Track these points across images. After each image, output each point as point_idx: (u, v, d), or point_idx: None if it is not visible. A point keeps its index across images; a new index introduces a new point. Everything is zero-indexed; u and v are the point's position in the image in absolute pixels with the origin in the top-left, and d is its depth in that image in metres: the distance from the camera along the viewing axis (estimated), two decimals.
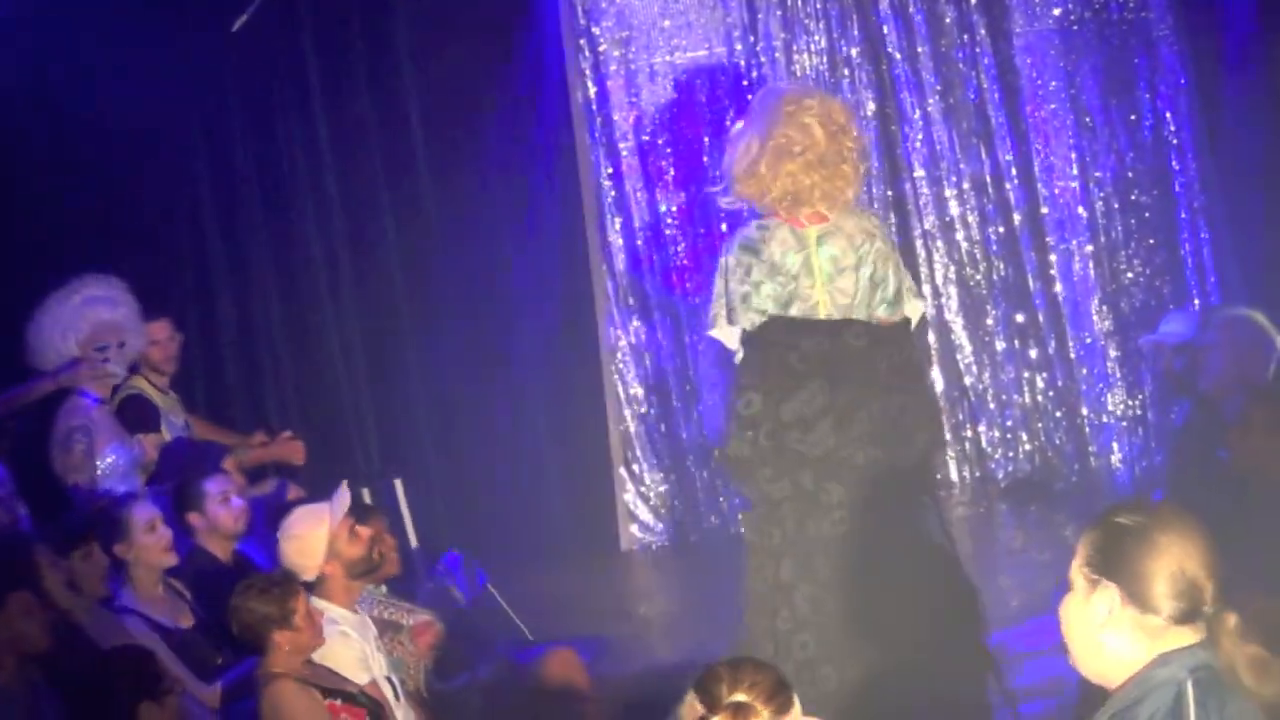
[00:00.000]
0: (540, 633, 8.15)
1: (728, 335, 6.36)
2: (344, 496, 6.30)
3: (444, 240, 9.99)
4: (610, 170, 10.10)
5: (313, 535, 6.20)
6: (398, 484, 9.08)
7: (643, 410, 10.23)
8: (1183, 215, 9.90)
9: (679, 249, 10.17)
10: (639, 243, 10.13)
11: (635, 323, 10.21)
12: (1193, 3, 9.69)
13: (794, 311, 6.30)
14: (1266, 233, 9.41)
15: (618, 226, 10.18)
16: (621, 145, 10.12)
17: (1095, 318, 10.04)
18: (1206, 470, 6.63)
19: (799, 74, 10.06)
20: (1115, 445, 9.99)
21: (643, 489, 10.28)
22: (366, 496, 8.31)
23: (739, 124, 6.62)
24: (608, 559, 10.09)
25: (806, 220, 6.37)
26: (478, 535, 9.49)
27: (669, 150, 10.14)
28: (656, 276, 10.13)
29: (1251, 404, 6.49)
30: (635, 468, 10.27)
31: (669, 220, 10.16)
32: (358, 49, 9.83)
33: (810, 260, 6.35)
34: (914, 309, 6.49)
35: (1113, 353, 10.00)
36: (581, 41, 10.09)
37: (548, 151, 10.02)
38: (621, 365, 10.24)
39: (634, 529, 10.25)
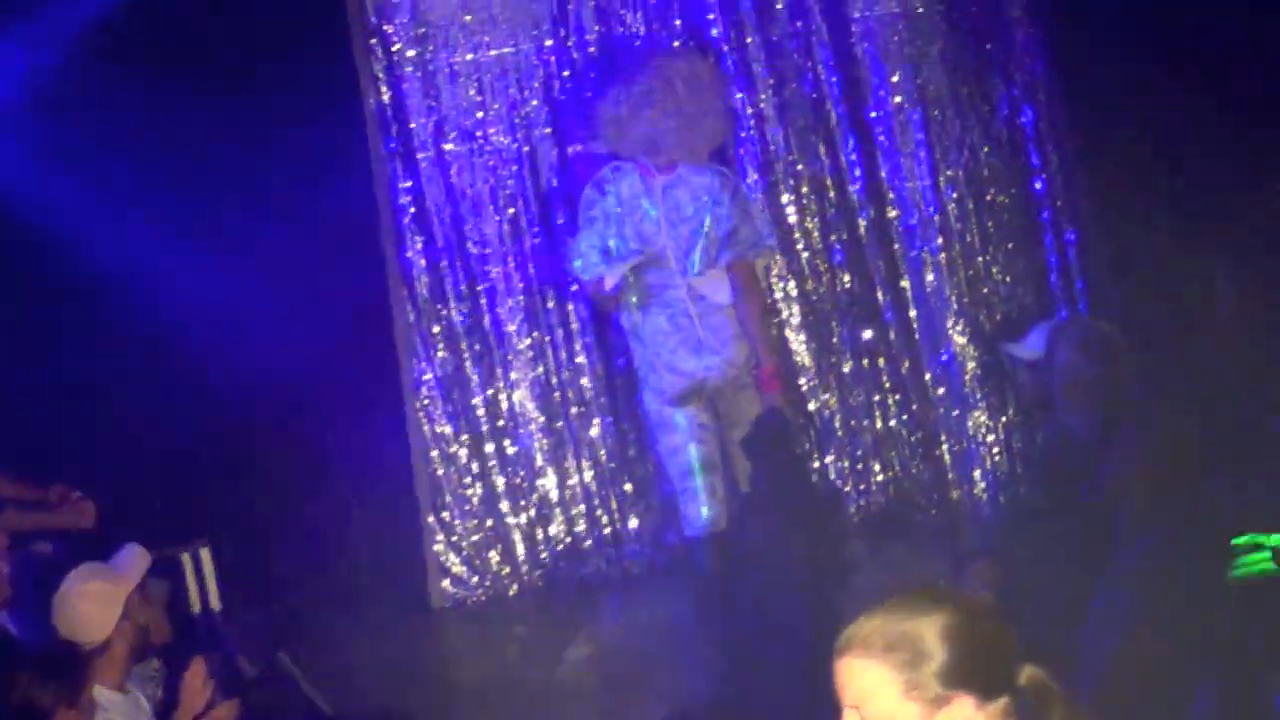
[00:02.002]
0: (341, 706, 7.66)
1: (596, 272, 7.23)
2: (140, 557, 5.91)
3: (221, 268, 9.10)
4: (409, 184, 9.37)
5: (107, 598, 5.72)
6: (204, 552, 8.51)
7: (452, 451, 9.53)
8: (1045, 216, 9.47)
9: (488, 269, 9.49)
10: (442, 265, 9.44)
11: (441, 353, 9.47)
12: None
13: (637, 255, 7.14)
14: (1139, 232, 9.03)
15: (418, 246, 9.44)
16: (420, 156, 9.36)
17: (951, 332, 9.49)
18: (1069, 505, 6.26)
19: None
20: (978, 474, 9.48)
21: (454, 539, 9.52)
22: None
23: (606, 76, 7.52)
24: (417, 618, 9.37)
25: (657, 170, 7.27)
26: (273, 595, 9.09)
27: (474, 159, 9.46)
28: (464, 301, 9.50)
29: (1108, 427, 6.13)
30: (445, 515, 9.51)
31: (476, 238, 9.49)
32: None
33: (655, 206, 7.29)
34: (762, 260, 7.41)
35: (972, 370, 9.46)
36: (373, 40, 9.28)
37: (337, 164, 9.20)
38: (427, 401, 9.49)
39: (445, 584, 9.48)
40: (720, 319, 7.75)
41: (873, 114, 9.37)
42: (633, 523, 9.46)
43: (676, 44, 9.15)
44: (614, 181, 7.52)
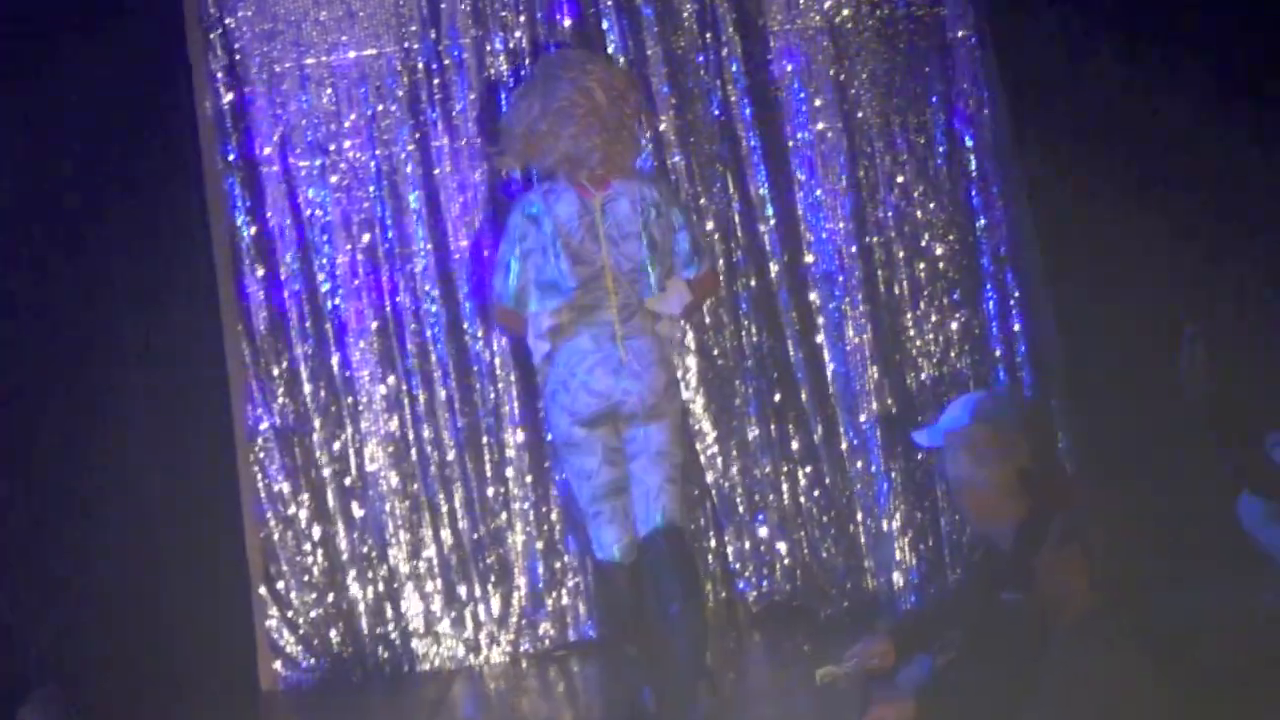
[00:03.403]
0: None
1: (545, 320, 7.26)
2: None
3: (33, 294, 8.50)
4: (248, 203, 8.78)
5: None
6: None
7: (289, 512, 8.86)
8: (986, 265, 8.75)
9: (338, 304, 8.87)
10: (285, 296, 8.83)
11: (280, 399, 8.83)
12: None
13: (579, 275, 7.16)
14: (1093, 289, 8.36)
15: (258, 276, 8.82)
16: (264, 170, 8.78)
17: (873, 397, 8.80)
18: (992, 613, 5.74)
19: (494, 80, 8.78)
20: (898, 560, 8.76)
21: (289, 614, 8.87)
22: None
23: (519, 88, 7.51)
24: (244, 704, 8.70)
25: (592, 187, 7.24)
26: (81, 670, 8.24)
27: (326, 176, 8.84)
28: (309, 340, 8.86)
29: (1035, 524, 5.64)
30: (280, 586, 8.86)
31: (324, 267, 8.87)
32: None
33: (595, 225, 7.22)
34: (703, 269, 7.43)
35: (896, 441, 8.78)
36: (213, 36, 8.73)
37: (165, 177, 8.55)
38: (262, 454, 8.83)
39: (278, 665, 8.83)
40: (646, 342, 7.37)
41: (790, 143, 8.77)
42: (495, 600, 8.83)
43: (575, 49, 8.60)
44: (548, 208, 7.29)
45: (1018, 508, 5.59)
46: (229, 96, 8.70)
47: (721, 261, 8.64)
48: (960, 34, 8.67)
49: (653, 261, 7.24)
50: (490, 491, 8.79)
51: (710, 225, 8.68)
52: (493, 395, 8.76)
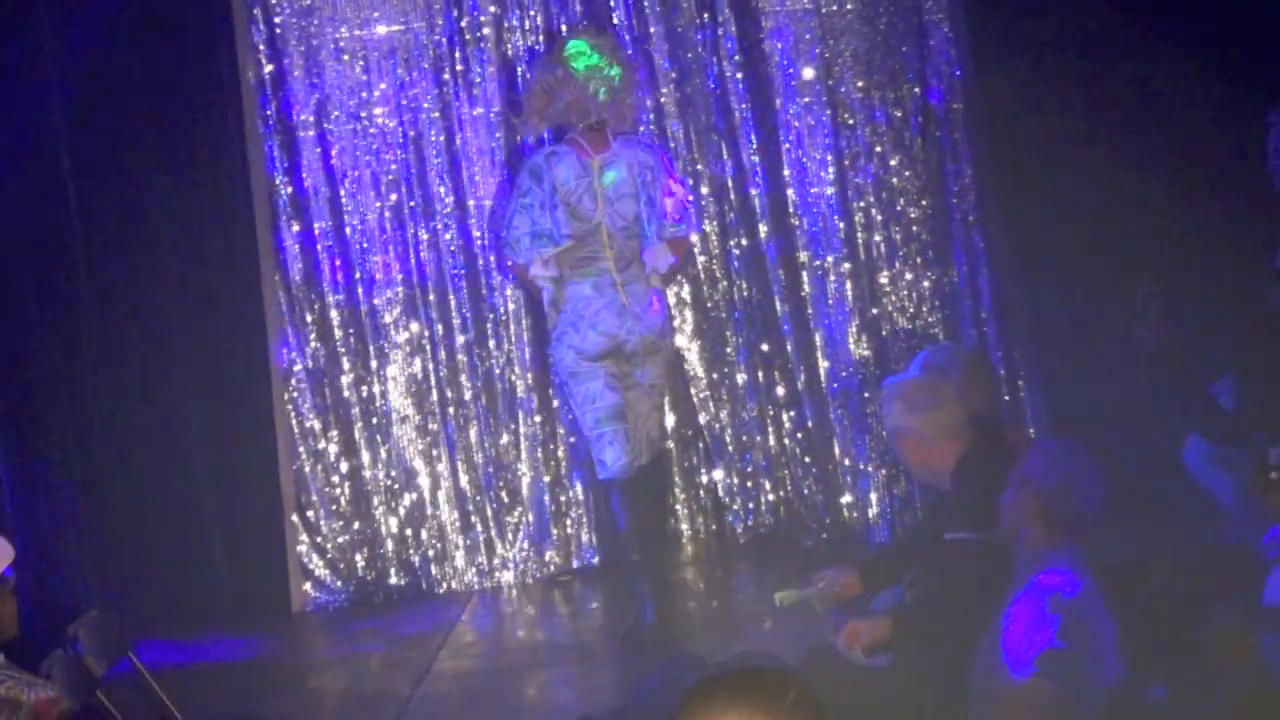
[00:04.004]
0: (190, 710, 7.14)
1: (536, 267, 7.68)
2: (3, 548, 5.65)
3: (85, 247, 8.80)
4: (286, 164, 9.01)
5: None
6: None
7: (319, 447, 9.12)
8: (956, 228, 9.04)
9: (367, 257, 9.12)
10: (319, 250, 9.06)
11: (312, 343, 9.08)
12: None
13: (575, 230, 7.58)
14: (1055, 252, 8.68)
15: (294, 230, 9.05)
16: (301, 135, 9.02)
17: (852, 347, 9.08)
18: (939, 551, 5.94)
19: (511, 55, 9.05)
20: (873, 497, 9.03)
21: (319, 540, 9.12)
22: None
23: (540, 59, 8.07)
24: (276, 622, 8.96)
25: (591, 149, 7.62)
26: (124, 592, 8.65)
27: (357, 141, 9.09)
28: (339, 290, 9.11)
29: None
30: (310, 515, 9.12)
31: (355, 223, 9.11)
32: None
33: (594, 185, 7.62)
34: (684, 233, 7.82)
35: (872, 388, 8.87)
36: (255, 11, 8.99)
37: (211, 141, 8.86)
38: (295, 394, 9.09)
39: (308, 587, 9.10)
40: (641, 287, 7.78)
41: (779, 114, 9.02)
42: (508, 530, 9.14)
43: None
44: (550, 168, 7.68)
45: (948, 454, 5.87)
46: (269, 67, 8.91)
47: (715, 223, 9.04)
48: (935, 16, 8.94)
49: (648, 219, 7.60)
50: (503, 430, 9.08)
51: (705, 190, 9.00)
52: (506, 342, 9.03)
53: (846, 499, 9.04)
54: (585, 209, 7.68)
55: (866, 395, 8.93)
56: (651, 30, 8.97)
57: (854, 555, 8.13)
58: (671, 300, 8.89)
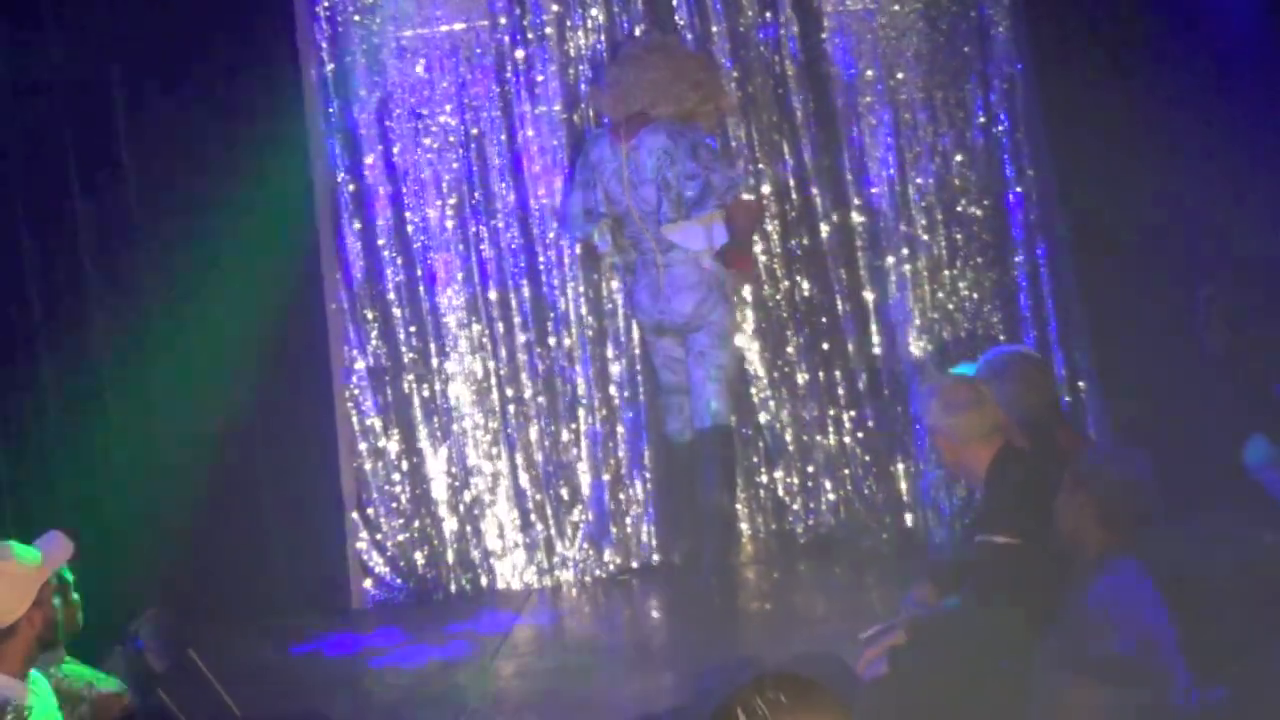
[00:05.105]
0: (249, 706, 7.34)
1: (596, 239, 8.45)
2: (62, 545, 5.49)
3: (148, 244, 8.81)
4: (348, 162, 9.06)
5: (21, 581, 5.32)
6: None
7: (380, 444, 9.14)
8: (1017, 231, 9.02)
9: (429, 256, 9.15)
10: (380, 248, 9.10)
11: (374, 342, 9.13)
12: None
13: (612, 211, 8.27)
14: (1116, 253, 8.62)
15: (356, 229, 9.09)
16: (363, 134, 9.06)
17: (913, 347, 9.08)
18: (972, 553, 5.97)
19: (573, 54, 9.05)
20: (935, 497, 8.98)
21: (379, 537, 9.13)
22: None
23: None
24: (336, 619, 8.96)
25: (624, 135, 8.19)
26: (184, 588, 8.57)
27: (419, 139, 9.12)
28: (401, 288, 9.13)
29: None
30: (370, 513, 9.13)
31: (416, 222, 9.14)
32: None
33: (621, 169, 8.23)
34: (740, 198, 8.31)
35: None
36: (319, 9, 9.02)
37: (274, 139, 8.82)
38: (357, 392, 9.12)
39: (368, 584, 9.12)
40: (684, 269, 8.27)
41: (841, 114, 9.03)
42: (568, 529, 9.15)
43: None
44: (590, 148, 8.41)
45: (983, 455, 5.88)
46: (332, 65, 8.93)
47: (776, 222, 9.01)
48: (996, 16, 8.91)
49: (670, 203, 8.15)
50: (563, 428, 9.09)
51: (767, 189, 8.96)
52: (567, 340, 9.04)
53: (907, 500, 9.05)
54: (614, 192, 8.34)
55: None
56: (713, 29, 8.97)
57: (916, 559, 8.27)
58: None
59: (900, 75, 9.02)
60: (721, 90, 8.61)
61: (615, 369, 9.04)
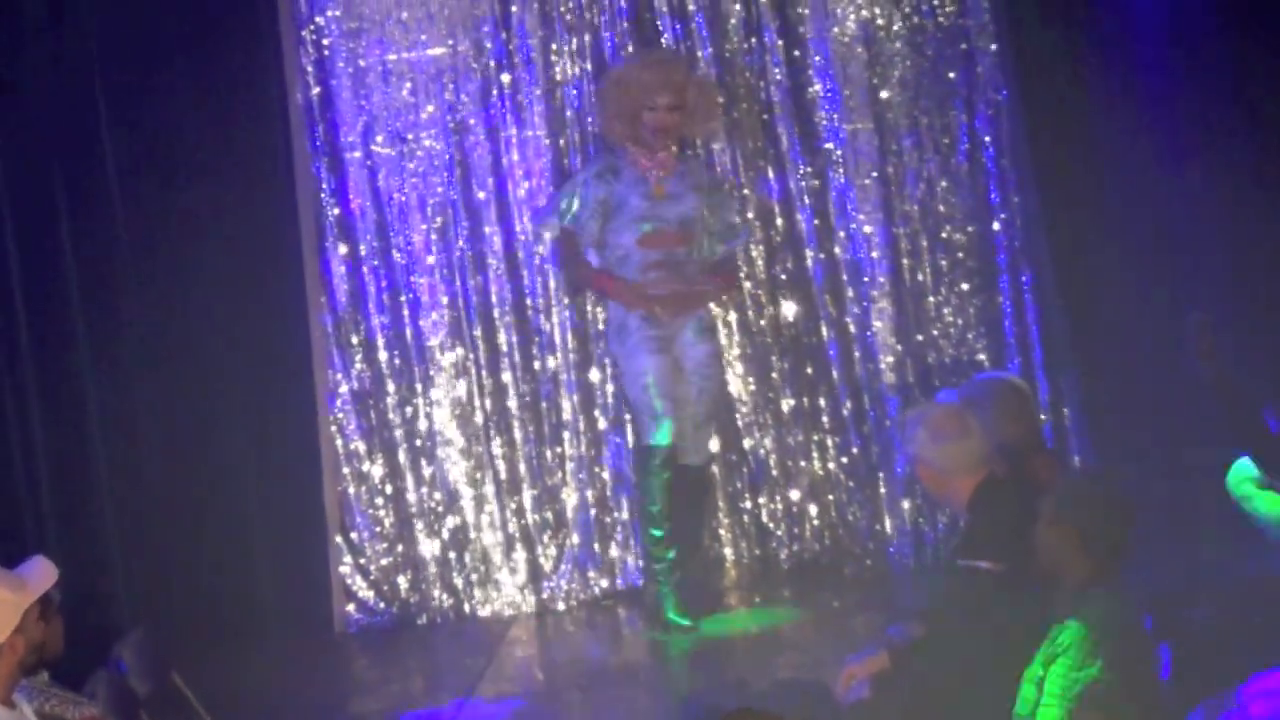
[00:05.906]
0: None
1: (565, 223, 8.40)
2: (47, 570, 5.43)
3: (133, 268, 8.77)
4: (333, 186, 9.03)
5: (4, 607, 5.23)
6: None
7: (364, 469, 9.12)
8: (1002, 257, 9.06)
9: (413, 279, 9.13)
10: (365, 272, 9.09)
11: (358, 365, 9.10)
12: (1019, 5, 8.84)
13: (629, 239, 8.23)
14: (1101, 279, 8.70)
15: (340, 252, 9.07)
16: (348, 156, 9.05)
17: (897, 373, 9.12)
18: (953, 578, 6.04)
19: (559, 78, 9.08)
20: (919, 523, 9.06)
21: (362, 561, 9.10)
22: None
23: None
24: (318, 643, 8.96)
25: (648, 164, 8.24)
26: (167, 611, 8.56)
27: (403, 163, 9.11)
28: (385, 312, 9.11)
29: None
30: (354, 536, 9.10)
31: (401, 246, 9.12)
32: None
33: (650, 195, 8.25)
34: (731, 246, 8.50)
35: None
36: (305, 33, 8.99)
37: (259, 163, 8.83)
38: (341, 416, 9.10)
39: (350, 608, 9.08)
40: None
41: (826, 140, 9.08)
42: (551, 552, 9.13)
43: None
44: (615, 179, 8.29)
45: (967, 484, 5.87)
46: (317, 89, 8.92)
47: (761, 246, 9.04)
48: (982, 43, 8.96)
49: (703, 231, 8.29)
50: (547, 452, 9.07)
51: (751, 214, 8.99)
52: (551, 365, 9.03)
53: (890, 526, 9.06)
54: (643, 213, 8.39)
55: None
56: (699, 54, 8.97)
57: (898, 584, 8.43)
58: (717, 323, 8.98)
59: (885, 101, 9.06)
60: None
61: (600, 393, 9.04)
